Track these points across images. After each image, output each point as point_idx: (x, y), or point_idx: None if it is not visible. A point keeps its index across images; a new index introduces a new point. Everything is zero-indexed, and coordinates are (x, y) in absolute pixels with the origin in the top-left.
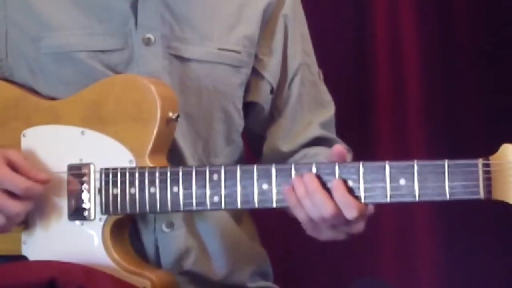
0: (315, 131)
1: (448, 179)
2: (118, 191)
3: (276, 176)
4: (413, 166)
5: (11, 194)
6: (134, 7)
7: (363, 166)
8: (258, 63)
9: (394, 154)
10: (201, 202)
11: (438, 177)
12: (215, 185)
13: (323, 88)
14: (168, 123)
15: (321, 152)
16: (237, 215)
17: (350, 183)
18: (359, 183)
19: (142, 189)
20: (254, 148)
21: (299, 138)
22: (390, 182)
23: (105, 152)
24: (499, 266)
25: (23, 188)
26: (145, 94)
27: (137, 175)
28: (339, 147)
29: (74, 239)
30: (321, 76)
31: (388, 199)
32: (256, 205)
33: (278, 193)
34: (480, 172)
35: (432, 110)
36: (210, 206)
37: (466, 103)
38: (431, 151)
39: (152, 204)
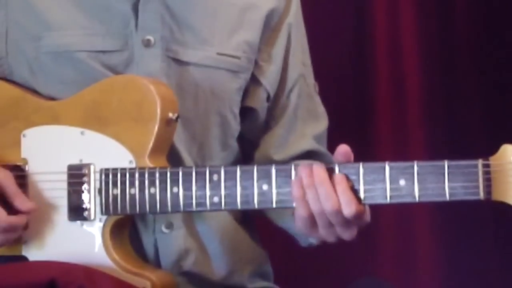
0: (308, 144)
1: (448, 180)
2: (118, 191)
3: (276, 176)
4: (413, 166)
5: None
6: (135, 9)
7: (363, 166)
8: (257, 69)
9: (394, 154)
10: (201, 203)
11: (438, 178)
12: (215, 186)
13: (318, 100)
14: (168, 124)
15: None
16: (238, 215)
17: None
18: (359, 183)
19: (142, 190)
20: (244, 153)
21: (292, 149)
22: (390, 182)
23: (105, 152)
24: (499, 266)
25: (2, 226)
26: (145, 94)
27: (137, 175)
28: (345, 147)
29: (74, 239)
30: (317, 89)
31: (388, 200)
32: (256, 206)
33: (278, 193)
34: (480, 173)
35: (432, 110)
36: (210, 206)
37: (466, 103)
38: (431, 151)
39: (152, 205)
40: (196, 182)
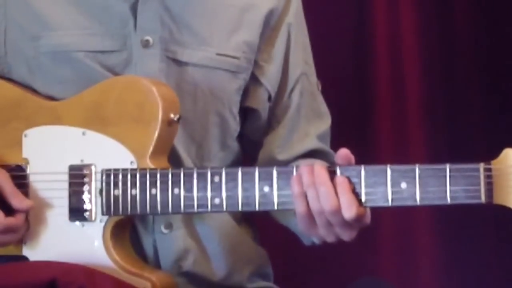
0: (312, 143)
1: (450, 183)
2: (119, 192)
3: (277, 178)
4: (414, 170)
5: None
6: (134, 9)
7: (364, 169)
8: (258, 70)
9: (394, 154)
10: (202, 204)
11: (440, 181)
12: (216, 187)
13: (320, 99)
14: (169, 125)
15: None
16: (237, 215)
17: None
18: (360, 186)
19: (143, 191)
20: (248, 154)
21: (296, 149)
22: (392, 185)
23: (106, 153)
24: (499, 266)
25: (1, 229)
26: (147, 95)
27: (138, 176)
28: (345, 150)
29: (75, 240)
30: (319, 87)
31: (390, 203)
32: (257, 208)
33: (279, 195)
34: (482, 177)
35: (432, 110)
36: (211, 208)
37: (466, 103)
38: (431, 151)
39: (153, 206)
40: (197, 183)
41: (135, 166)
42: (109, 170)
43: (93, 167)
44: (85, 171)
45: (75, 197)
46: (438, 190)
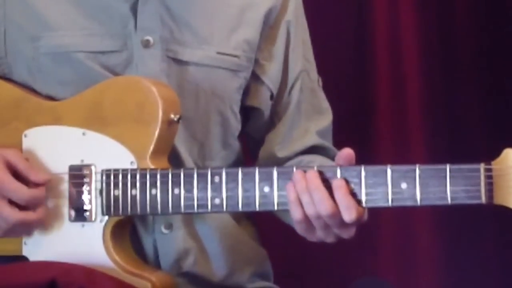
0: (312, 140)
1: (450, 184)
2: (119, 192)
3: (277, 179)
4: (414, 170)
5: (13, 202)
6: (134, 9)
7: (364, 169)
8: (259, 68)
9: (394, 154)
10: (202, 205)
11: (440, 182)
12: (217, 188)
13: (321, 95)
14: (169, 125)
15: (316, 160)
16: (237, 215)
17: (352, 186)
18: (360, 186)
19: (143, 191)
20: (253, 152)
21: (296, 146)
22: (392, 186)
23: (106, 153)
24: (499, 266)
25: (26, 199)
26: (147, 95)
27: (138, 176)
28: (348, 150)
29: (75, 240)
30: (320, 83)
31: (390, 203)
32: (258, 208)
33: (279, 195)
34: (482, 177)
35: (432, 110)
36: (211, 208)
37: (466, 103)
38: (431, 151)
39: (153, 206)
40: (197, 183)
41: (135, 166)
42: (109, 170)
43: (93, 167)
44: (85, 171)
45: (75, 197)
46: (438, 191)
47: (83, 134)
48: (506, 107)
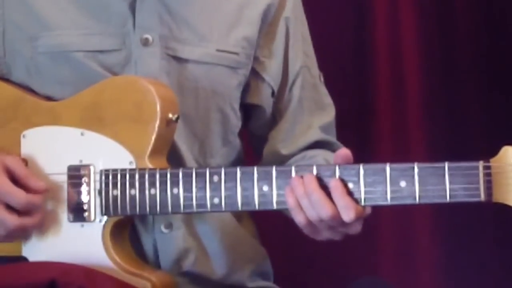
0: (315, 135)
1: (449, 182)
2: (118, 192)
3: (276, 178)
4: (413, 168)
5: (12, 207)
6: (132, 7)
7: (363, 168)
8: (259, 65)
9: (394, 154)
10: (201, 204)
11: (439, 180)
12: (215, 187)
13: (323, 90)
14: (168, 124)
15: (319, 154)
16: (237, 214)
17: (351, 185)
18: (359, 185)
19: (142, 191)
20: (257, 150)
21: (299, 142)
22: (391, 184)
23: (105, 153)
24: (499, 266)
25: (23, 204)
26: (145, 95)
27: (137, 176)
28: (345, 150)
29: (74, 240)
30: (322, 79)
31: (389, 201)
32: (257, 207)
33: (278, 195)
34: (481, 175)
35: (432, 110)
36: (210, 208)
37: (466, 103)
38: (431, 151)
39: (152, 206)
40: (196, 183)
41: (133, 166)
42: (108, 170)
43: (91, 168)
44: (84, 172)
45: (74, 197)
46: (437, 189)
47: (82, 134)
48: (505, 106)
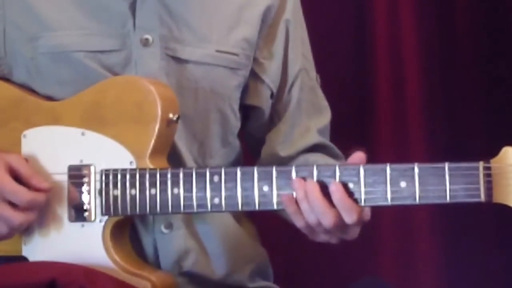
0: (313, 138)
1: (449, 182)
2: (118, 192)
3: (276, 178)
4: (413, 168)
5: (14, 204)
6: (133, 8)
7: (363, 168)
8: (259, 67)
9: (394, 154)
10: (201, 204)
11: (439, 180)
12: (216, 187)
13: (320, 93)
14: (168, 124)
15: (320, 159)
16: (237, 214)
17: (351, 185)
18: (359, 185)
19: (142, 191)
20: (253, 151)
21: (298, 144)
22: (391, 184)
23: (105, 153)
24: (499, 266)
25: (26, 201)
26: (146, 95)
27: (137, 176)
28: (360, 154)
29: (75, 240)
30: (319, 81)
31: (389, 202)
32: (257, 207)
33: (279, 195)
34: (481, 175)
35: (432, 110)
36: (210, 208)
37: (466, 103)
38: (431, 151)
39: (153, 206)
40: (196, 183)
41: (134, 166)
42: (108, 170)
43: (92, 168)
44: (85, 172)
45: (75, 197)
46: (437, 189)
47: (82, 134)
48: (505, 106)
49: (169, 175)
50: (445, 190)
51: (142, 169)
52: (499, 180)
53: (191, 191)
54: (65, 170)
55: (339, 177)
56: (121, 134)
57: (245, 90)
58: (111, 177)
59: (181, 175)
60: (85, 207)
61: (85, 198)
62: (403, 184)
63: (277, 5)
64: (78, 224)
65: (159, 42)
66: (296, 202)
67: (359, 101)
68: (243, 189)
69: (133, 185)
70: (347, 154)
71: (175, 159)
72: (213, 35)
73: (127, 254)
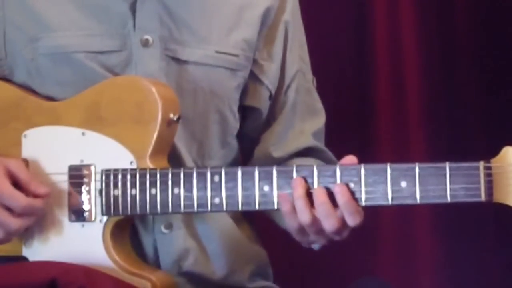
0: (307, 141)
1: (449, 182)
2: (119, 192)
3: (277, 178)
4: (414, 168)
5: (11, 209)
6: (133, 8)
7: (364, 168)
8: (258, 69)
9: (394, 154)
10: (202, 204)
11: (439, 180)
12: (216, 187)
13: (316, 96)
14: (169, 125)
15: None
16: (237, 215)
17: (351, 185)
18: (360, 185)
19: (143, 191)
20: (245, 150)
21: (291, 146)
22: (391, 184)
23: (106, 153)
24: (499, 266)
25: (22, 207)
26: (146, 95)
27: (138, 176)
28: (351, 158)
29: (75, 240)
30: (315, 84)
31: (389, 202)
32: (257, 207)
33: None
34: (482, 175)
35: (432, 110)
36: (211, 208)
37: (466, 103)
38: (431, 151)
39: (153, 206)
40: (197, 183)
41: (134, 166)
42: (109, 170)
43: (92, 168)
44: (85, 172)
45: (75, 197)
46: (438, 189)
47: (83, 134)
48: (505, 105)
49: (169, 175)
50: (446, 190)
51: (142, 169)
52: (499, 180)
53: (192, 191)
54: (66, 170)
55: (340, 177)
56: (122, 134)
57: (244, 91)
58: (111, 177)
59: (181, 175)
60: (85, 207)
61: (85, 198)
62: (403, 184)
63: (276, 6)
64: (78, 224)
65: (159, 43)
66: (292, 201)
67: (359, 101)
68: (243, 189)
69: (133, 185)
70: (345, 156)
71: (174, 160)
72: (213, 36)
73: (127, 254)
